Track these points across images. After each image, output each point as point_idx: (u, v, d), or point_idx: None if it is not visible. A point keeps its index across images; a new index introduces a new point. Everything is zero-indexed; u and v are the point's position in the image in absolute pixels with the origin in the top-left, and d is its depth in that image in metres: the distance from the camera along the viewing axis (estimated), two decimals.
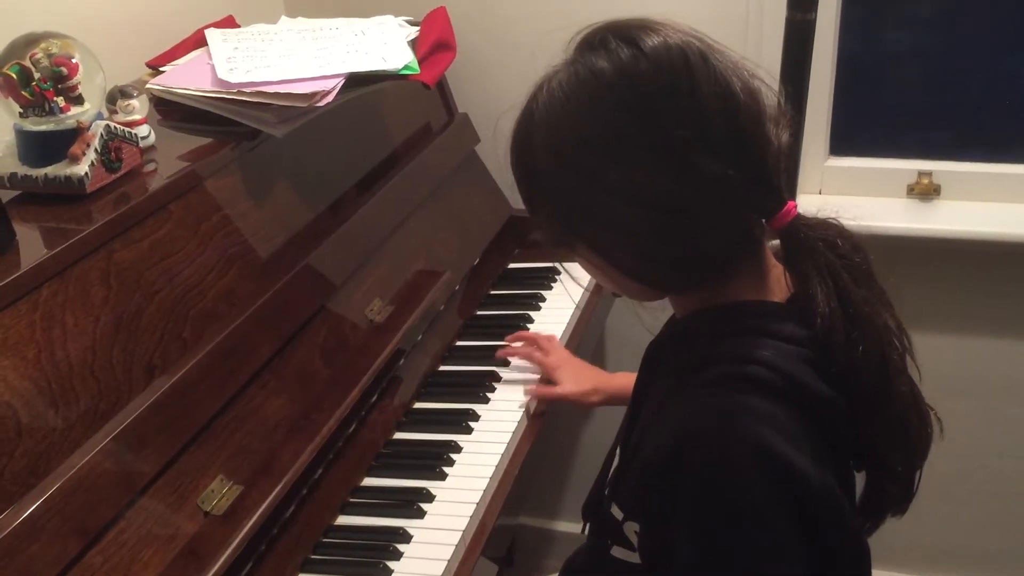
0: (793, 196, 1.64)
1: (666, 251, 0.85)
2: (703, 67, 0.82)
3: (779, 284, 0.91)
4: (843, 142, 1.84)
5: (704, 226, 0.84)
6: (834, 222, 0.91)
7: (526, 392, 1.46)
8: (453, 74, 1.85)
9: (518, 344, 1.54)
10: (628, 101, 0.82)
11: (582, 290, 1.66)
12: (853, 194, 1.82)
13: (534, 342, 1.53)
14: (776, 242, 0.91)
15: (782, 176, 0.87)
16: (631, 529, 0.91)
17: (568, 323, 1.65)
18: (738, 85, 0.83)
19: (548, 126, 0.86)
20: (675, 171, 0.81)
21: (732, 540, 0.82)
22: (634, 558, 0.92)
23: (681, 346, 0.94)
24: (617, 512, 0.93)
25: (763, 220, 0.87)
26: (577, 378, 1.46)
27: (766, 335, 0.86)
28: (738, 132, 0.82)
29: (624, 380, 1.43)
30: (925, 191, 1.78)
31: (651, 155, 0.82)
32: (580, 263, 0.94)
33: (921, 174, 1.78)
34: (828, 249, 0.88)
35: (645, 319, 1.01)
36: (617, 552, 0.94)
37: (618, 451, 1.03)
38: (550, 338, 1.55)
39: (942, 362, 1.83)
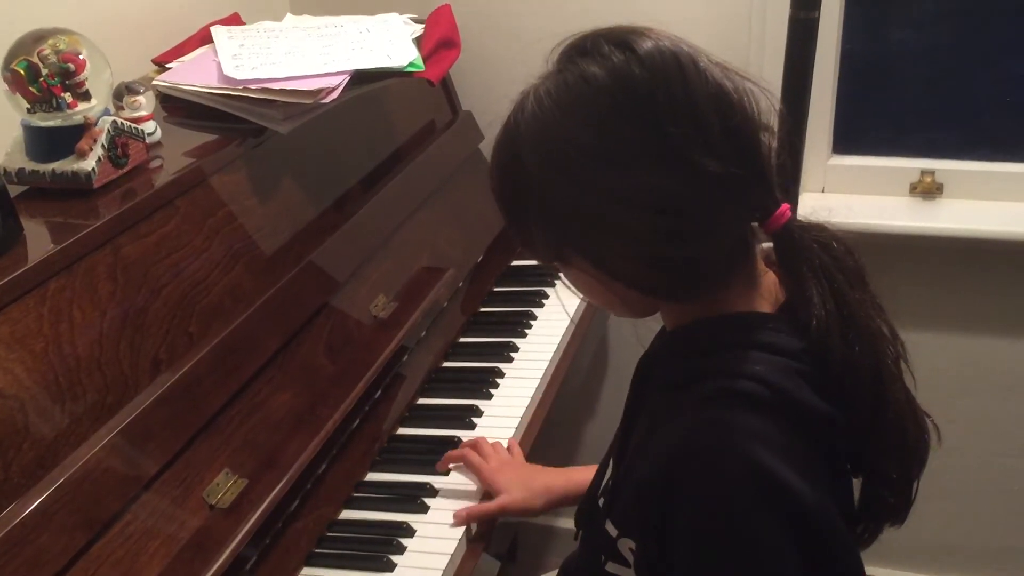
0: (795, 196, 1.66)
1: (668, 256, 0.84)
2: (695, 69, 0.82)
3: (769, 292, 0.90)
4: (846, 141, 1.84)
5: (707, 228, 0.83)
6: (827, 225, 0.91)
7: (456, 516, 1.23)
8: (457, 72, 1.85)
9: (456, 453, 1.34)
10: (624, 105, 0.81)
11: None
12: (856, 193, 1.83)
13: (474, 445, 1.33)
14: (767, 245, 0.91)
15: (775, 177, 0.87)
16: (626, 546, 0.91)
17: (570, 321, 1.65)
18: (730, 87, 0.83)
19: (538, 138, 0.84)
20: (676, 173, 0.81)
21: (728, 559, 0.81)
22: (628, 574, 0.92)
23: (673, 360, 0.93)
24: (612, 528, 0.93)
25: (756, 223, 0.87)
26: (522, 483, 1.26)
27: (758, 348, 0.85)
28: (735, 132, 0.82)
29: (581, 476, 1.22)
30: (928, 190, 1.78)
31: (651, 158, 0.81)
32: (573, 279, 0.92)
33: (924, 173, 1.79)
34: (823, 251, 0.88)
35: (640, 333, 1.00)
36: (611, 568, 0.94)
37: (611, 463, 1.03)
38: (494, 445, 1.34)
39: (945, 361, 1.84)
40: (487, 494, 1.27)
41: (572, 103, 0.83)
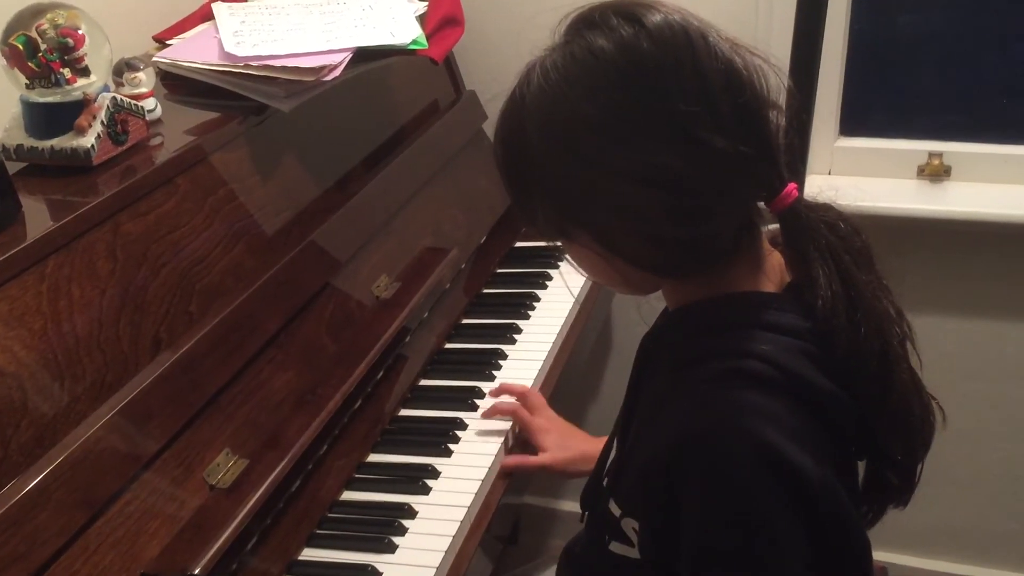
0: (802, 178, 1.65)
1: (674, 233, 0.83)
2: (704, 44, 0.81)
3: (775, 272, 0.90)
4: (853, 122, 1.82)
5: (712, 206, 0.82)
6: (833, 204, 0.90)
7: (502, 461, 1.31)
8: (460, 51, 1.84)
9: (504, 399, 1.39)
10: (632, 79, 0.80)
11: None
12: (863, 175, 1.81)
13: (523, 396, 1.38)
14: (772, 227, 0.90)
15: (783, 156, 0.86)
16: (629, 526, 0.91)
17: (573, 304, 1.64)
18: (740, 63, 0.82)
19: (543, 111, 0.83)
20: (683, 149, 0.80)
21: (736, 540, 0.81)
22: (632, 553, 0.91)
23: (677, 339, 0.92)
24: (615, 508, 0.92)
25: (763, 203, 0.86)
26: (563, 445, 1.32)
27: (764, 328, 0.84)
28: (743, 108, 0.81)
29: None
30: (935, 172, 1.77)
31: (658, 134, 0.80)
32: (574, 256, 0.91)
33: (931, 155, 1.77)
34: (829, 231, 0.87)
35: (644, 311, 0.99)
36: (615, 547, 0.93)
37: (615, 443, 1.02)
38: (536, 394, 1.40)
39: (950, 344, 1.83)
40: (498, 476, 1.28)
41: (579, 77, 0.81)
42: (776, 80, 0.86)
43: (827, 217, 0.88)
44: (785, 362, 0.82)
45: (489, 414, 1.37)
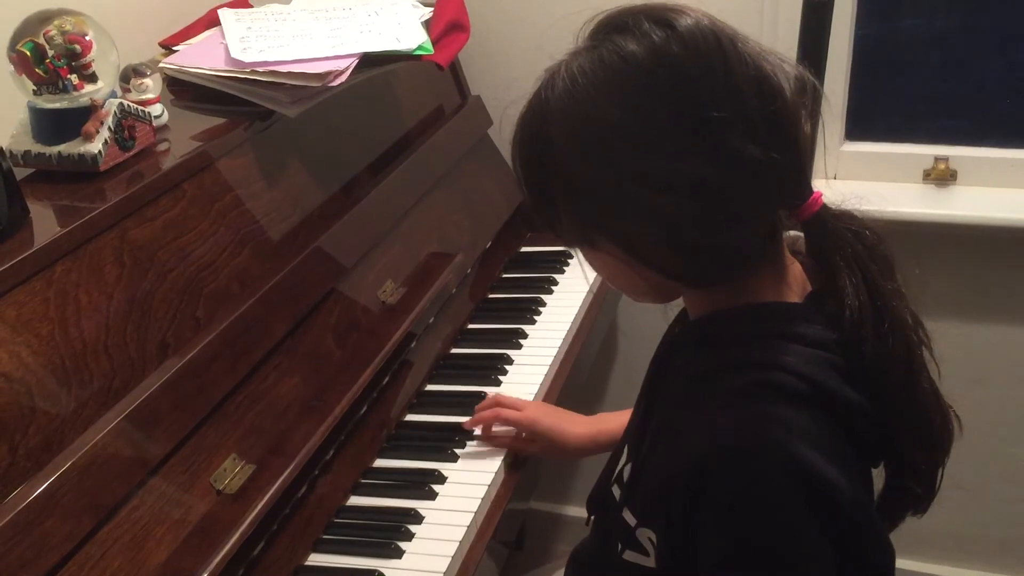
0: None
1: (700, 241, 0.81)
2: (734, 50, 0.79)
3: (797, 281, 0.89)
4: (859, 127, 1.82)
5: (741, 213, 0.81)
6: (856, 212, 0.89)
7: (495, 439, 1.33)
8: (465, 56, 1.84)
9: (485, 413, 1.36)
10: (663, 85, 0.78)
11: (595, 275, 1.65)
12: (868, 179, 1.81)
13: (499, 404, 1.36)
14: (793, 234, 0.89)
15: (811, 163, 0.85)
16: (645, 536, 0.90)
17: (580, 308, 1.64)
18: (769, 69, 0.81)
19: (569, 115, 0.81)
20: (713, 156, 0.78)
21: (763, 555, 0.80)
22: (647, 563, 0.90)
23: (699, 349, 0.91)
24: (630, 517, 0.91)
25: (785, 211, 0.85)
26: (555, 430, 1.31)
27: (791, 339, 0.83)
28: (774, 116, 0.80)
29: (608, 425, 1.31)
30: (941, 176, 1.77)
31: (688, 141, 0.78)
32: (595, 263, 0.90)
33: (937, 159, 1.77)
34: (856, 240, 0.86)
35: (670, 315, 0.98)
36: (629, 556, 0.92)
37: (626, 449, 1.01)
38: (508, 397, 1.38)
39: (957, 350, 1.82)
40: (505, 481, 1.29)
41: (608, 82, 0.80)
42: (804, 85, 0.84)
43: (852, 225, 0.87)
44: (813, 374, 0.81)
45: (471, 423, 1.35)
